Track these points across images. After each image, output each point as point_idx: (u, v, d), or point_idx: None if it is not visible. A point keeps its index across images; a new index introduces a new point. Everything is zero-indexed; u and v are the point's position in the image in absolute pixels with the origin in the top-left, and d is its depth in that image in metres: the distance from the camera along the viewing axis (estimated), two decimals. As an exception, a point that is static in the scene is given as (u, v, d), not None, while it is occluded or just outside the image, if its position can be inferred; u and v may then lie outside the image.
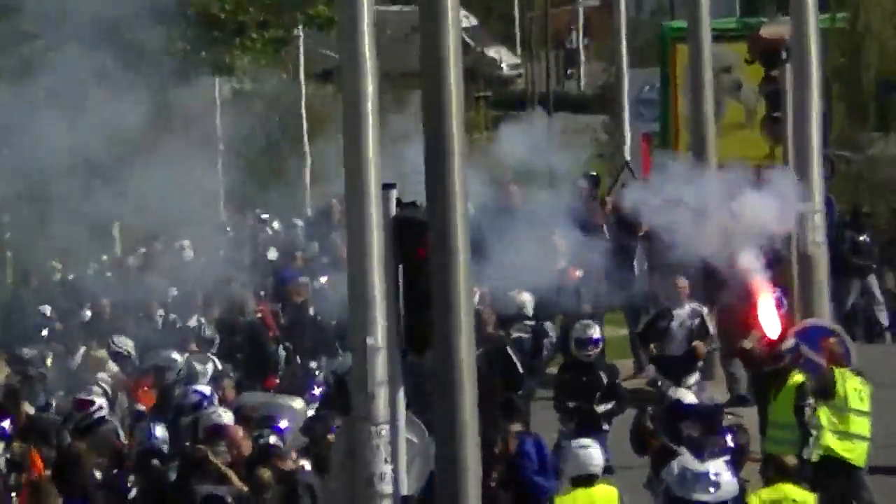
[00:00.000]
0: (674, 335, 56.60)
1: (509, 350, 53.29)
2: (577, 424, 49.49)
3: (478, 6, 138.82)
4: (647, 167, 78.34)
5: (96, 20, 69.94)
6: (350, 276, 33.60)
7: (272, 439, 41.78)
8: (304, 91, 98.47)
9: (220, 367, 57.91)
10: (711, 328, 57.23)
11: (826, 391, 45.57)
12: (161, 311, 69.95)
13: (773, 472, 38.91)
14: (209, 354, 60.88)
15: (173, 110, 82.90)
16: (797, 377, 45.88)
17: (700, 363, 56.52)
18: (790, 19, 61.86)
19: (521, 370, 53.14)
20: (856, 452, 45.92)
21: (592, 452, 37.80)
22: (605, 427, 49.21)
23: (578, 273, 61.48)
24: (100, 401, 50.24)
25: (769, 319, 49.69)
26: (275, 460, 38.90)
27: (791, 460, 39.81)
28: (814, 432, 43.87)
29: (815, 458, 43.81)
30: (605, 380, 51.45)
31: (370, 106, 33.01)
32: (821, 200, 58.28)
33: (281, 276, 73.59)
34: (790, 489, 38.23)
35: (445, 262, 33.05)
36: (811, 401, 45.37)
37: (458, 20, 35.34)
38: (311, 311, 66.90)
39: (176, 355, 57.72)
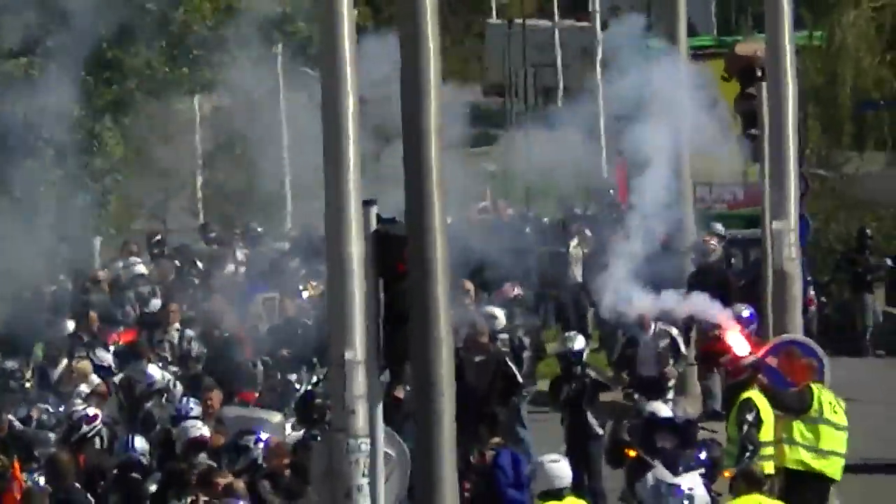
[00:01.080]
0: (643, 359, 57.07)
1: (508, 361, 53.31)
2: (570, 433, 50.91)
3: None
4: (624, 194, 76.28)
5: (78, 35, 70.74)
6: (329, 290, 33.18)
7: (258, 450, 42.64)
8: (283, 108, 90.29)
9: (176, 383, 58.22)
10: (683, 347, 57.85)
11: (799, 406, 45.28)
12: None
13: (743, 482, 38.44)
14: (168, 369, 60.82)
15: (154, 128, 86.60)
16: (748, 393, 45.18)
17: (671, 383, 56.96)
18: (766, 37, 61.04)
19: (519, 379, 53.31)
20: (832, 467, 45.50)
21: (561, 466, 37.23)
22: (600, 432, 49.41)
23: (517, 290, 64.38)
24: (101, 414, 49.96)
25: (737, 338, 49.37)
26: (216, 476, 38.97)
27: (759, 471, 39.70)
28: (750, 447, 42.95)
29: (770, 470, 42.96)
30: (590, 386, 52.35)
31: (350, 122, 31.96)
32: (796, 218, 57.05)
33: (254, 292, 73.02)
34: (760, 499, 37.77)
35: (424, 276, 33.34)
36: (750, 417, 44.44)
37: (437, 34, 35.04)
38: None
39: (152, 368, 57.63)
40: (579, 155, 68.10)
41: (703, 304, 52.94)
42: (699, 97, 62.46)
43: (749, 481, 38.23)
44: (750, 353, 47.59)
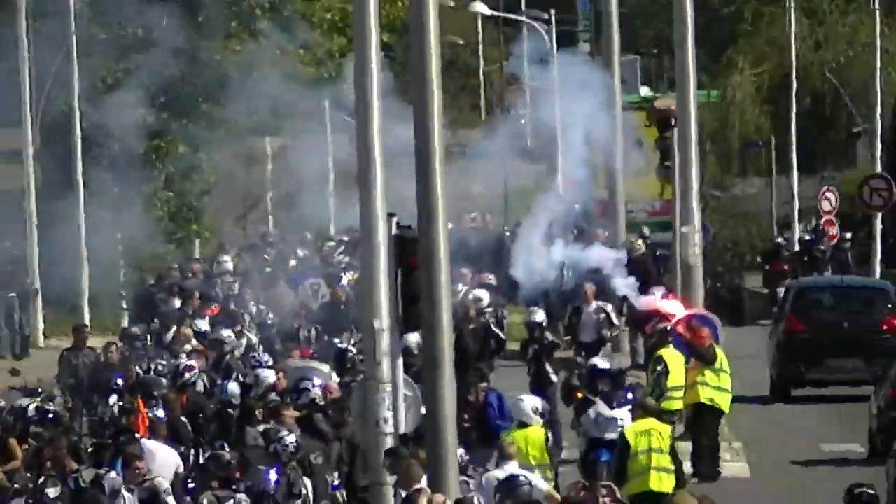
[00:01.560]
0: (585, 326, 67.02)
1: (493, 327, 63.80)
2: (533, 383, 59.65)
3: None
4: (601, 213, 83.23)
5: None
6: (362, 277, 42.39)
7: (314, 391, 49.87)
8: (330, 147, 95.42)
9: (254, 340, 68.16)
10: (615, 319, 67.74)
11: (711, 359, 55.70)
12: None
13: (640, 410, 46.19)
14: (247, 332, 69.84)
15: (237, 160, 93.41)
16: (661, 351, 56.50)
17: (608, 345, 67.07)
18: (676, 95, 72.01)
19: (504, 338, 64.89)
20: (726, 402, 56.18)
21: (526, 404, 45.52)
22: (555, 380, 58.37)
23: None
24: (199, 364, 58.84)
25: (672, 306, 60.69)
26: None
27: (653, 404, 48.14)
28: (658, 390, 53.78)
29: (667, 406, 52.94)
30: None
31: (377, 157, 38.65)
32: (698, 225, 68.33)
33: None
34: (652, 422, 44.57)
35: (430, 269, 38.49)
36: (659, 368, 55.28)
37: (439, 66, 40.06)
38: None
39: (228, 332, 65.77)
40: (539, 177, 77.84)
41: (633, 285, 64.77)
42: (630, 138, 77.40)
43: (644, 410, 46.16)
44: (674, 320, 58.75)
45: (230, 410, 50.40)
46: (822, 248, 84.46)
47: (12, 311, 69.46)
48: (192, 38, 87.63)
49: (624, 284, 65.19)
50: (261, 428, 44.66)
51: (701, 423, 54.38)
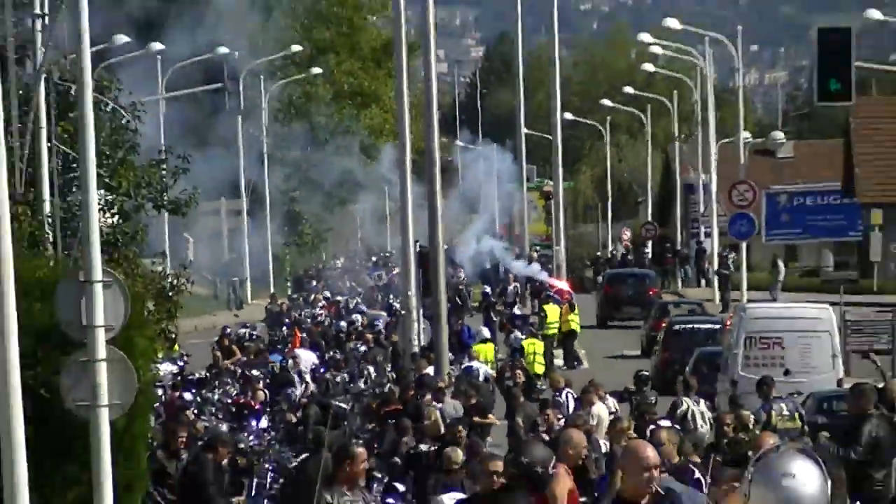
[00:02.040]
0: (509, 294, 60.01)
1: (464, 292, 58.18)
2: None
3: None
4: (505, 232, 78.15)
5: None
6: (401, 275, 39.95)
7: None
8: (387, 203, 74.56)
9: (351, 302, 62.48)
10: (520, 290, 61.59)
11: (572, 307, 51.35)
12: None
13: (530, 336, 43.87)
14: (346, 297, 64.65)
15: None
16: (544, 306, 51.95)
17: (519, 304, 60.48)
18: (553, 184, 65.68)
19: (469, 298, 58.89)
20: (578, 328, 51.88)
21: (483, 331, 44.34)
22: (495, 319, 53.73)
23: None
24: (325, 312, 57.40)
25: (556, 282, 57.39)
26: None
27: (537, 332, 46.04)
28: (539, 324, 49.06)
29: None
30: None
31: (409, 199, 36.43)
32: (563, 247, 63.48)
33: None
34: (535, 341, 43.00)
35: (435, 272, 35.32)
36: (542, 314, 51.53)
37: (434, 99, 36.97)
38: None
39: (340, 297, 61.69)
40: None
41: (536, 272, 60.59)
42: (531, 204, 72.46)
43: (532, 335, 44.33)
44: (555, 289, 55.54)
45: (341, 335, 48.12)
46: (620, 255, 77.92)
47: (235, 285, 65.12)
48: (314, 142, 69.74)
49: (530, 270, 61.81)
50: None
51: (569, 340, 50.28)
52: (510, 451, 14.03)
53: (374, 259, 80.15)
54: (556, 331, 49.51)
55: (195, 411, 26.69)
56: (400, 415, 23.91)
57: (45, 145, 21.16)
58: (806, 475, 6.73)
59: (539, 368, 40.61)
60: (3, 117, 13.28)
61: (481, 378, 34.34)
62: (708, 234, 61.18)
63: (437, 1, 38.91)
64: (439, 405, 25.25)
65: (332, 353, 42.96)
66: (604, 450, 19.33)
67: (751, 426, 20.04)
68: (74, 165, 20.24)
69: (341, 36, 71.57)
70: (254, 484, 22.23)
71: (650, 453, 9.45)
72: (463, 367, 36.61)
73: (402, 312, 39.88)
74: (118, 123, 26.35)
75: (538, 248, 69.28)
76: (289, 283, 71.09)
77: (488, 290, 59.44)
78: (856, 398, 20.24)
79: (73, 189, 20.75)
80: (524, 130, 62.96)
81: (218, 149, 52.45)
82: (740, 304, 45.04)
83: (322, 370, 37.63)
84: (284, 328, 50.60)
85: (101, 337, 15.44)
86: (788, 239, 62.58)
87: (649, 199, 78.73)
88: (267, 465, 22.98)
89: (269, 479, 22.40)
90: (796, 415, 20.65)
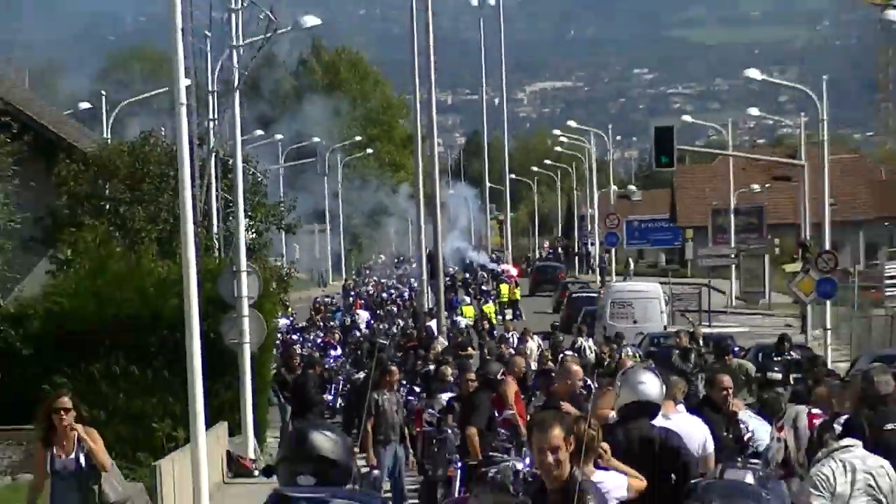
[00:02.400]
0: (481, 279, 53.34)
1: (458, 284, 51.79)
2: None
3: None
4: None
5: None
6: (419, 265, 37.25)
7: None
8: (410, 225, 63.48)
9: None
10: (487, 276, 53.88)
11: (517, 285, 47.25)
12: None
13: (493, 303, 41.20)
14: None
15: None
16: (500, 286, 47.70)
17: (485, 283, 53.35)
18: (504, 216, 63.17)
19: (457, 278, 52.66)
20: (517, 296, 46.90)
21: (466, 298, 42.12)
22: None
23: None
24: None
25: (509, 269, 52.93)
26: None
27: (489, 308, 40.45)
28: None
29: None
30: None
31: (422, 221, 34.69)
32: (510, 251, 60.00)
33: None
34: (490, 306, 39.99)
35: (436, 266, 33.70)
36: (496, 292, 46.88)
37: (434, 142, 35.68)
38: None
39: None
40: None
41: (487, 261, 57.33)
42: (492, 227, 67.81)
43: (495, 302, 41.90)
44: (507, 273, 51.55)
45: (383, 301, 46.13)
46: (542, 256, 72.99)
47: (322, 273, 62.00)
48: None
49: (483, 260, 58.83)
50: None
51: (515, 304, 45.46)
52: (479, 367, 13.86)
53: (400, 258, 76.50)
54: (506, 298, 46.90)
55: (300, 346, 26.38)
56: (416, 348, 23.47)
57: (214, 193, 21.08)
58: (651, 381, 6.70)
59: (494, 319, 38.32)
60: (190, 177, 12.72)
61: (463, 326, 33.70)
62: (592, 244, 60.20)
63: (438, 111, 38.12)
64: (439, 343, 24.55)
65: (377, 312, 41.74)
66: (533, 367, 18.96)
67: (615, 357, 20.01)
68: (231, 204, 19.89)
69: (383, 131, 70.22)
70: (332, 388, 21.90)
71: (576, 368, 9.93)
72: (453, 320, 35.65)
73: (417, 289, 38.76)
74: (255, 180, 26.08)
75: (497, 252, 65.45)
76: (353, 271, 68.96)
77: (468, 275, 56.07)
78: (677, 337, 20.90)
79: (230, 218, 20.36)
80: (488, 185, 61.38)
81: (311, 194, 51.64)
82: (608, 283, 44.63)
83: (371, 321, 36.74)
84: (351, 297, 49.10)
85: (245, 303, 15.54)
86: (639, 246, 61.52)
87: (559, 224, 77.11)
88: (340, 378, 22.75)
89: (341, 386, 22.19)
90: (637, 354, 19.54)
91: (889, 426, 6.35)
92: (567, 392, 9.00)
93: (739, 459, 7.03)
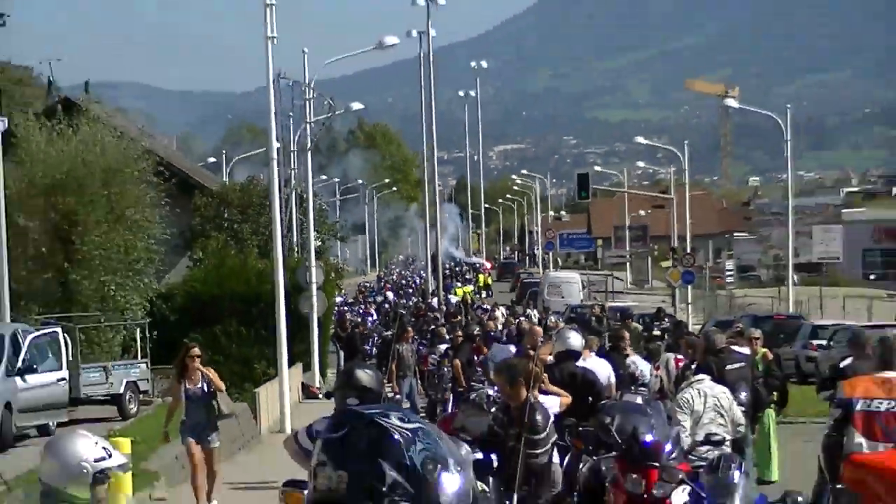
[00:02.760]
0: (465, 272, 47.56)
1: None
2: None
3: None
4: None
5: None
6: (425, 265, 35.85)
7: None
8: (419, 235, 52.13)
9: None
10: (469, 269, 48.77)
11: (489, 275, 43.81)
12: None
13: (475, 286, 36.86)
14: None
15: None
16: (479, 276, 42.66)
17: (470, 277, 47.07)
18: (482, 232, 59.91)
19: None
20: (490, 281, 42.32)
21: (458, 284, 37.51)
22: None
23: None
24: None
25: (482, 262, 49.10)
26: None
27: (469, 289, 36.19)
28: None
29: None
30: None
31: (428, 233, 34.36)
32: (484, 254, 56.46)
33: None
34: (468, 288, 34.95)
35: (436, 264, 32.23)
36: (475, 281, 41.35)
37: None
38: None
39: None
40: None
41: (465, 256, 51.81)
42: (472, 237, 62.48)
43: (483, 289, 36.98)
44: (483, 266, 46.72)
45: (402, 285, 41.50)
46: (505, 256, 67.74)
47: (364, 266, 57.49)
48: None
49: (462, 255, 54.13)
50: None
51: (488, 287, 40.80)
52: (464, 328, 13.75)
53: (412, 257, 72.17)
54: (482, 284, 42.88)
55: (349, 314, 25.75)
56: (423, 315, 23.06)
57: (294, 216, 20.91)
58: (574, 337, 6.73)
59: (473, 297, 35.43)
60: (278, 206, 12.91)
61: (454, 302, 31.50)
62: (536, 249, 58.18)
63: (438, 163, 37.31)
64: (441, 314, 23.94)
65: (399, 292, 39.20)
66: (499, 327, 18.41)
67: (550, 322, 19.46)
68: (304, 223, 19.79)
69: (402, 176, 67.63)
70: (370, 342, 21.06)
71: (538, 329, 9.26)
72: (447, 298, 33.44)
73: (423, 277, 37.65)
74: (320, 208, 25.87)
75: (475, 253, 62.49)
76: (383, 266, 66.49)
77: (457, 268, 50.38)
78: (592, 308, 21.73)
79: (304, 232, 19.97)
80: (471, 211, 59.89)
81: (354, 216, 50.80)
82: (546, 273, 42.83)
83: (395, 299, 34.84)
84: (381, 283, 46.54)
85: (314, 286, 15.45)
86: (566, 250, 60.35)
87: (516, 236, 75.53)
88: (375, 335, 22.03)
89: (375, 340, 21.40)
90: (560, 321, 19.49)
91: (728, 367, 6.33)
92: (533, 344, 9.05)
93: (632, 388, 7.02)
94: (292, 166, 21.03)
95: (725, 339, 6.99)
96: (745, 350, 7.35)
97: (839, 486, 3.80)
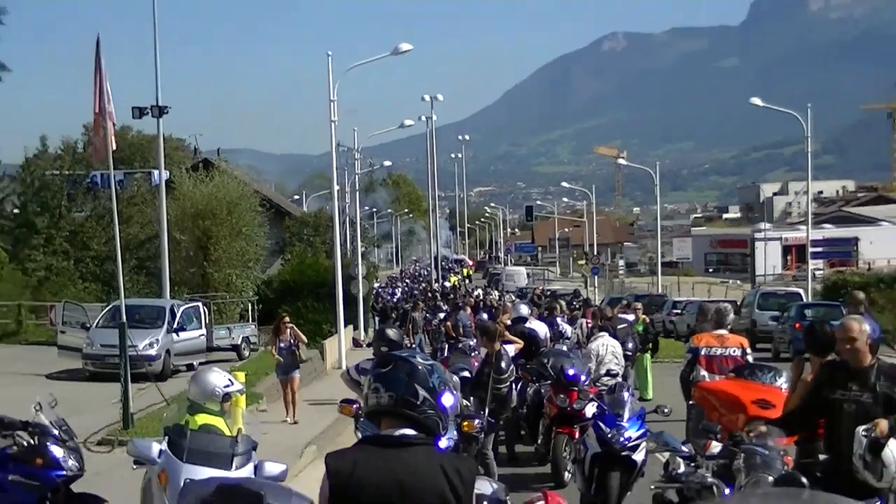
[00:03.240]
0: (450, 270, 36.34)
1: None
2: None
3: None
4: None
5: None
6: (430, 263, 29.39)
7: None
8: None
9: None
10: (457, 264, 39.72)
11: (471, 269, 37.56)
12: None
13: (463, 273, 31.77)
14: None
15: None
16: (464, 269, 36.89)
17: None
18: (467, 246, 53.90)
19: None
20: (471, 272, 36.71)
21: (452, 274, 31.42)
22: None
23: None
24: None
25: (469, 262, 42.75)
26: None
27: (457, 278, 30.51)
28: None
29: None
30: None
31: (432, 241, 29.54)
32: (467, 255, 49.50)
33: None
34: (457, 277, 30.47)
35: (437, 262, 29.18)
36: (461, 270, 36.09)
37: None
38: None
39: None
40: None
41: (455, 256, 43.44)
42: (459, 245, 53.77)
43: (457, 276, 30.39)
44: (466, 263, 39.91)
45: (416, 278, 33.99)
46: (480, 258, 56.02)
47: (390, 263, 45.58)
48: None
49: (452, 255, 46.30)
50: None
51: (469, 277, 35.42)
52: (454, 301, 13.71)
53: (419, 258, 65.18)
54: (466, 274, 37.80)
55: (382, 294, 24.72)
56: (431, 296, 21.49)
57: (347, 233, 20.04)
58: (524, 307, 6.99)
59: (459, 284, 31.71)
60: (338, 227, 12.84)
61: (448, 286, 28.95)
62: (500, 254, 55.22)
63: (438, 200, 35.18)
64: (439, 294, 22.36)
65: (413, 280, 34.76)
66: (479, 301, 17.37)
67: (507, 299, 18.44)
68: (353, 237, 19.41)
69: (416, 206, 61.38)
70: (395, 313, 19.27)
71: (509, 305, 8.74)
72: (443, 283, 30.46)
73: (429, 269, 32.46)
74: (364, 227, 24.68)
75: (462, 255, 57.14)
76: (403, 263, 60.89)
77: (450, 264, 45.99)
78: (534, 290, 20.19)
79: (353, 243, 19.35)
80: (458, 229, 57.02)
81: (384, 231, 46.66)
82: (505, 267, 39.99)
83: (410, 284, 31.85)
84: (403, 274, 43.56)
85: (360, 276, 15.00)
86: (518, 253, 57.61)
87: (488, 245, 68.53)
88: (399, 307, 20.44)
89: (399, 311, 19.69)
90: (514, 297, 18.75)
91: (619, 327, 6.66)
92: (507, 314, 8.75)
93: (560, 341, 7.02)
94: (346, 201, 21.09)
95: (617, 310, 7.83)
96: (630, 316, 7.72)
97: (691, 402, 4.12)
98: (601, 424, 3.60)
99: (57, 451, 2.62)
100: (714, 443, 2.59)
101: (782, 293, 12.91)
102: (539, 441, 4.76)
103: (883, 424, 2.09)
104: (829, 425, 2.19)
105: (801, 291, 13.25)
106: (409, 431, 1.32)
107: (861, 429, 2.08)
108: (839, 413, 2.17)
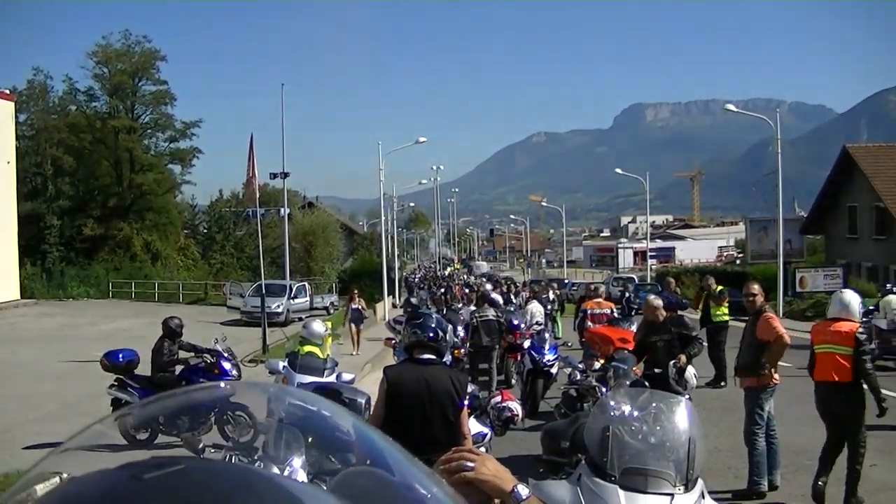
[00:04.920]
0: (449, 263, 39.58)
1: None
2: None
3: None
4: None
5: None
6: (434, 263, 34.31)
7: None
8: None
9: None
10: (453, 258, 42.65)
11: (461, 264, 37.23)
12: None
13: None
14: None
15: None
16: (454, 265, 36.40)
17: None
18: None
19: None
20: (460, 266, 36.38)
21: (449, 267, 32.79)
22: None
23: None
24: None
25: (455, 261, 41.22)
26: None
27: (451, 269, 31.83)
28: None
29: None
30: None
31: (431, 242, 31.49)
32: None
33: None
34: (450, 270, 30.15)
35: (438, 261, 31.18)
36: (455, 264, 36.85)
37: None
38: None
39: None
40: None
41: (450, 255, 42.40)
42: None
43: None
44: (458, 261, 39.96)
45: (426, 272, 31.69)
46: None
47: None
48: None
49: (453, 257, 45.14)
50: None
51: (459, 269, 34.78)
52: (449, 281, 15.65)
53: (424, 258, 57.28)
54: (455, 266, 37.70)
55: (409, 278, 24.84)
56: (436, 283, 20.82)
57: (389, 243, 18.97)
58: (490, 287, 8.29)
59: (453, 271, 32.22)
60: (385, 239, 17.03)
61: (447, 273, 29.45)
62: (475, 255, 49.19)
63: (440, 226, 38.88)
64: (441, 277, 23.75)
65: (425, 275, 29.27)
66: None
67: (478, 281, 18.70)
68: (392, 245, 20.01)
69: (428, 226, 55.02)
70: (416, 290, 17.10)
71: (490, 286, 10.15)
72: (443, 271, 31.93)
73: (434, 264, 35.98)
74: (400, 241, 28.24)
75: (452, 256, 47.78)
76: (420, 259, 52.22)
77: (446, 261, 40.80)
78: (493, 275, 22.45)
79: (393, 249, 19.76)
80: (451, 240, 52.26)
81: (407, 240, 45.12)
82: (476, 262, 39.81)
83: (425, 272, 31.75)
84: (419, 265, 39.96)
85: (396, 266, 18.15)
86: (485, 255, 54.66)
87: (469, 252, 59.64)
88: (419, 286, 20.06)
89: (422, 295, 18.27)
90: (483, 281, 17.61)
91: (542, 296, 8.54)
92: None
93: (509, 306, 7.75)
94: (390, 226, 21.50)
95: (540, 287, 11.24)
96: (552, 295, 10.31)
97: (583, 340, 5.73)
98: (532, 352, 4.89)
99: (226, 366, 3.94)
100: (596, 362, 3.86)
101: (626, 277, 18.79)
102: (498, 362, 5.85)
103: (682, 358, 3.45)
104: (653, 355, 3.50)
105: (635, 276, 19.52)
106: (430, 356, 1.78)
107: (672, 362, 3.40)
108: (655, 348, 3.48)
